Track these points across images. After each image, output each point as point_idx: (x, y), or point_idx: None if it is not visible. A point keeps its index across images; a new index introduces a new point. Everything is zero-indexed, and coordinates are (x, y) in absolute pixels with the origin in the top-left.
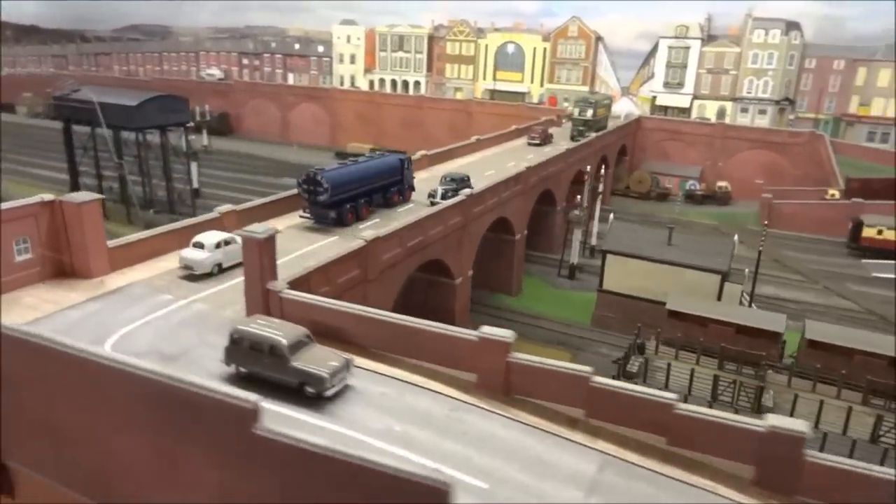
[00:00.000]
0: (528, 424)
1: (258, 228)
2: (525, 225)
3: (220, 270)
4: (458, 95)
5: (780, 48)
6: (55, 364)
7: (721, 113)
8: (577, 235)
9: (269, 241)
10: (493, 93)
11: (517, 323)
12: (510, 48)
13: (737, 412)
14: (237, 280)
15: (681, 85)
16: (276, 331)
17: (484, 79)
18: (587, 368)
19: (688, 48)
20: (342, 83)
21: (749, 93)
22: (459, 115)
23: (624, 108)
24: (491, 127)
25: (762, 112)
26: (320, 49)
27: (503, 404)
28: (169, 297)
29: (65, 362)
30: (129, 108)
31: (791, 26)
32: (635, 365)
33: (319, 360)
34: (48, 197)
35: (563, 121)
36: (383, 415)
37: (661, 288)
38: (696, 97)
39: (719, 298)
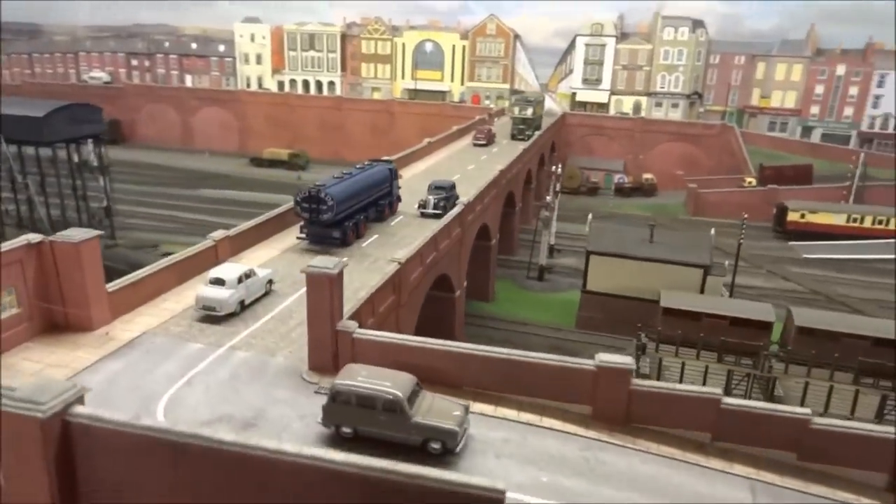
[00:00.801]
0: (664, 456)
1: (325, 262)
2: (497, 229)
3: (241, 308)
4: (376, 95)
5: (689, 45)
6: (218, 467)
7: (637, 107)
8: (546, 236)
9: (340, 277)
10: (413, 92)
11: (504, 331)
12: (428, 46)
13: None
14: (265, 319)
15: (598, 81)
16: (386, 383)
17: (402, 78)
18: (716, 391)
19: (603, 45)
20: (248, 85)
21: (662, 88)
22: (381, 115)
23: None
24: (414, 128)
25: (675, 106)
26: (221, 49)
27: (625, 434)
28: (200, 347)
29: (233, 462)
30: (35, 119)
31: (697, 24)
32: (646, 366)
33: (441, 411)
34: (35, 237)
35: (495, 119)
36: (521, 465)
37: (645, 285)
38: (613, 93)
39: (702, 291)
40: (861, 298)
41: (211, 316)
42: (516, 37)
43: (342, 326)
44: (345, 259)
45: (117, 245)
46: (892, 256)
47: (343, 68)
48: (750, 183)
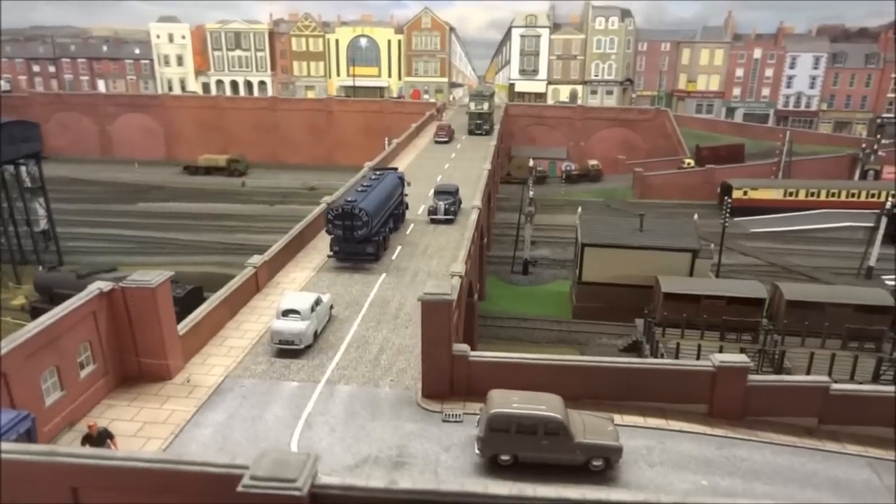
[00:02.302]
0: (788, 445)
1: (438, 287)
2: (487, 227)
3: (315, 338)
4: (311, 94)
5: (619, 34)
6: None
7: (573, 96)
8: (529, 230)
9: (454, 302)
10: (351, 89)
11: (505, 327)
12: (363, 42)
13: None
14: (343, 348)
15: (535, 72)
16: (542, 406)
17: (338, 75)
18: (824, 378)
19: (538, 36)
20: (171, 88)
21: (596, 76)
22: (320, 115)
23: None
24: (356, 126)
25: (609, 93)
26: (136, 51)
27: (744, 428)
28: (295, 385)
29: None
30: None
31: (625, 13)
32: (661, 352)
33: (597, 428)
34: (105, 286)
35: (443, 115)
36: (675, 471)
37: (638, 272)
38: (550, 82)
39: (691, 274)
40: (813, 267)
41: (288, 350)
42: (451, 30)
43: (457, 350)
44: (453, 281)
45: (67, 271)
46: (828, 225)
47: (273, 67)
48: (689, 164)
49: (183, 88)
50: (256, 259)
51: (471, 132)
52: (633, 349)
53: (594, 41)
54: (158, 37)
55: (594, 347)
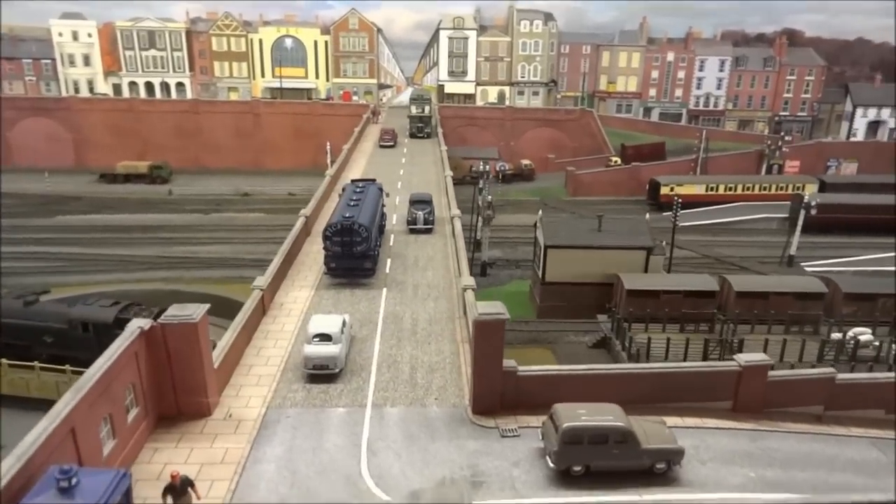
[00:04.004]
0: (805, 433)
1: (492, 307)
2: None
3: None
4: (234, 96)
5: (543, 36)
6: None
7: (501, 97)
8: (487, 232)
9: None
10: (277, 91)
11: None
12: (288, 42)
13: None
14: (374, 369)
15: (464, 73)
16: (608, 416)
17: (262, 76)
18: (830, 370)
19: (466, 38)
20: (77, 90)
21: (523, 77)
22: (245, 117)
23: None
24: (284, 128)
25: (535, 93)
26: (35, 49)
27: (765, 420)
28: (343, 411)
29: None
30: None
31: (548, 17)
32: (634, 346)
33: (657, 433)
34: (145, 323)
35: (378, 117)
36: (725, 466)
37: (597, 270)
38: (478, 83)
39: (646, 270)
40: (742, 257)
41: (320, 375)
42: (379, 31)
43: (507, 366)
44: (467, 294)
45: (8, 297)
46: (746, 217)
47: (192, 68)
48: (616, 162)
49: (91, 90)
50: (261, 281)
51: (412, 135)
52: (602, 345)
53: (519, 43)
54: (61, 35)
55: (564, 346)
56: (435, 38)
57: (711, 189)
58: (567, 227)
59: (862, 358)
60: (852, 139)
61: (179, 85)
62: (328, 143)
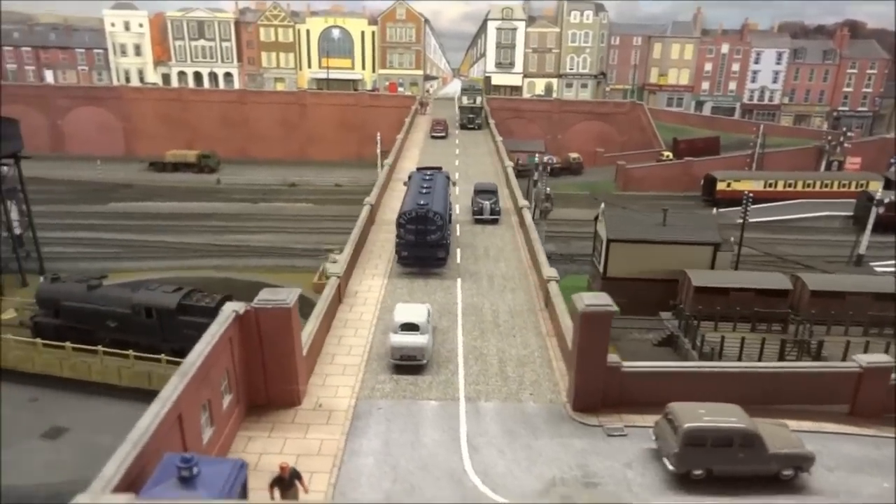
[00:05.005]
0: None
1: (598, 298)
2: None
3: None
4: (280, 87)
5: (594, 27)
6: None
7: (549, 89)
8: (544, 226)
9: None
10: (323, 82)
11: None
12: (335, 33)
13: None
14: (461, 361)
15: (511, 64)
16: (732, 418)
17: (309, 67)
18: None
19: (514, 29)
20: (127, 79)
21: (571, 69)
22: (292, 108)
23: (457, 89)
24: (330, 120)
25: (584, 86)
26: (88, 39)
27: (885, 427)
28: (435, 404)
29: None
30: None
31: (599, 7)
32: (706, 345)
33: (783, 436)
34: (239, 307)
35: (427, 108)
36: (854, 474)
37: (660, 266)
38: (526, 75)
39: (712, 267)
40: (807, 256)
41: (407, 366)
42: (426, 21)
43: (611, 362)
44: (550, 285)
45: (71, 281)
46: (806, 215)
47: (240, 58)
48: (667, 156)
49: (141, 80)
50: (337, 268)
51: (463, 126)
52: (668, 343)
53: (569, 35)
54: (113, 25)
55: (627, 343)
56: (483, 28)
57: (770, 185)
58: (631, 220)
59: None
60: None
61: (227, 75)
62: (378, 134)
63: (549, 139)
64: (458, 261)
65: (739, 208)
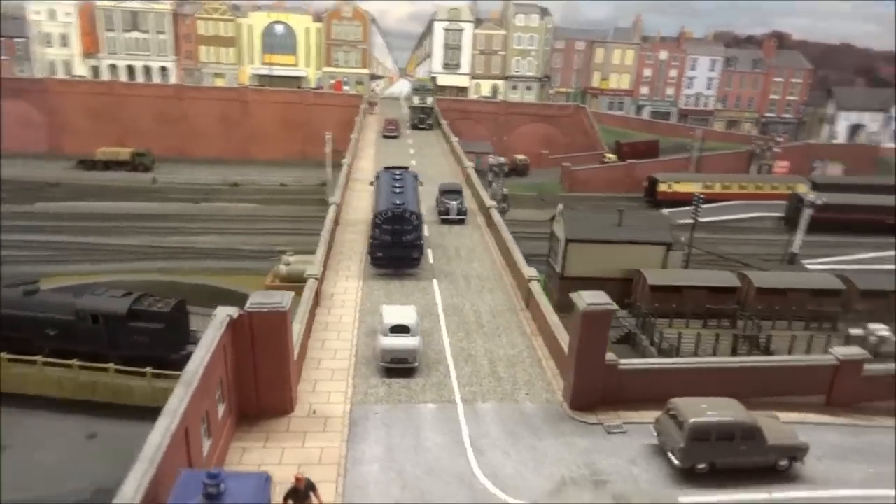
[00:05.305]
0: None
1: (598, 297)
2: None
3: None
4: (220, 82)
5: (539, 31)
6: None
7: (494, 91)
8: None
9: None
10: (265, 78)
11: None
12: (279, 29)
13: None
14: (450, 363)
15: (458, 66)
16: (731, 412)
17: (251, 63)
18: None
19: (461, 31)
20: (53, 71)
21: (517, 72)
22: (233, 105)
23: (403, 89)
24: (273, 117)
25: (529, 88)
26: (7, 27)
27: (858, 415)
28: (432, 407)
29: None
30: None
31: (544, 11)
32: (665, 342)
33: (778, 429)
34: (233, 311)
35: (375, 108)
36: (841, 462)
37: (616, 266)
38: (472, 77)
39: (664, 266)
40: (744, 254)
41: (398, 369)
42: (372, 20)
43: (609, 360)
44: (532, 284)
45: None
46: (742, 216)
47: (176, 52)
48: (611, 159)
49: (68, 72)
50: (315, 269)
51: (414, 126)
52: (626, 341)
53: (515, 37)
54: (38, 13)
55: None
56: (429, 29)
57: (708, 187)
58: (588, 221)
59: (883, 354)
60: (833, 142)
61: (163, 69)
62: (329, 134)
63: (495, 140)
64: (431, 261)
65: (681, 209)
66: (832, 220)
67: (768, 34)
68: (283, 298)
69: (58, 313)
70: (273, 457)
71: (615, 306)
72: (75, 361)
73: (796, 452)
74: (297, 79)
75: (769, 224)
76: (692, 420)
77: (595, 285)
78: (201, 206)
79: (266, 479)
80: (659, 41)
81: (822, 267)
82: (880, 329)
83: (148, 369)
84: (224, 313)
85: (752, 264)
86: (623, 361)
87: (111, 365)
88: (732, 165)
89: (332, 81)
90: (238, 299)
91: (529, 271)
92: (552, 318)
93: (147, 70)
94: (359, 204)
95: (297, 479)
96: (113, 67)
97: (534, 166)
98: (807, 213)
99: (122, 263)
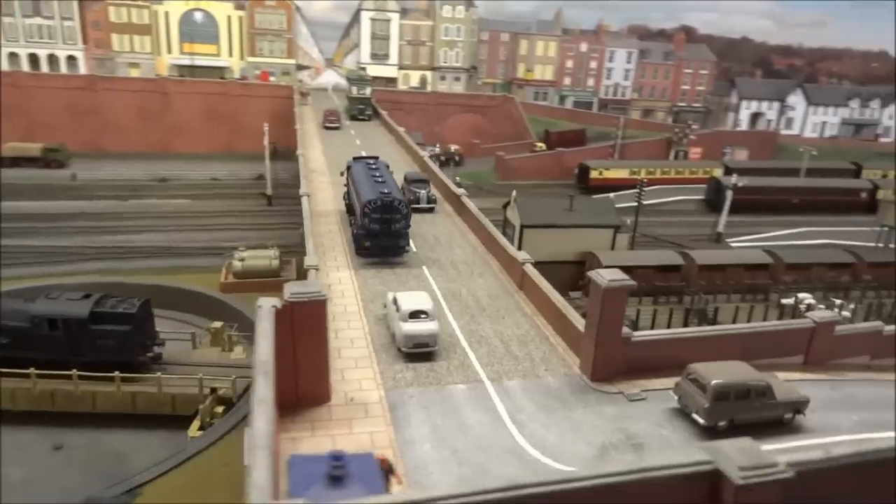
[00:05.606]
0: (871, 380)
1: (616, 274)
2: None
3: None
4: (135, 73)
5: (465, 22)
6: None
7: (423, 81)
8: None
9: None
10: (186, 68)
11: None
12: (198, 16)
13: None
14: (465, 344)
15: (386, 56)
16: (746, 373)
17: (169, 52)
18: (878, 323)
19: (389, 21)
20: None
21: (445, 62)
22: (152, 96)
23: (330, 80)
24: (196, 109)
25: (457, 79)
26: None
27: (832, 371)
28: (463, 388)
29: None
30: None
31: (469, 3)
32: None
33: (781, 385)
34: (276, 301)
35: (308, 98)
36: (831, 412)
37: (568, 249)
38: (401, 67)
39: (612, 247)
40: (675, 235)
41: (419, 353)
42: (297, 8)
43: (624, 333)
44: (526, 267)
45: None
46: (666, 199)
47: (85, 40)
48: (541, 147)
49: None
50: (313, 260)
51: (353, 117)
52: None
53: (442, 28)
54: None
55: None
56: (356, 18)
57: (634, 173)
58: (541, 207)
59: None
60: (737, 129)
61: (70, 58)
62: (266, 125)
63: (426, 131)
64: (414, 249)
65: (611, 194)
66: (747, 202)
67: (678, 28)
68: (320, 287)
69: (10, 320)
70: (325, 445)
71: (633, 283)
72: (33, 370)
73: (799, 406)
74: (221, 69)
75: (691, 206)
76: (714, 382)
77: (550, 269)
78: (130, 204)
79: (379, 460)
80: (579, 34)
81: (744, 244)
82: (807, 298)
83: (117, 374)
84: (269, 304)
85: (683, 244)
86: (637, 333)
87: (74, 371)
88: (652, 152)
89: (258, 72)
90: (192, 298)
91: (523, 255)
92: (556, 298)
93: (52, 59)
94: (324, 195)
95: (382, 462)
96: (13, 56)
97: (466, 156)
98: (730, 196)
99: (55, 266)
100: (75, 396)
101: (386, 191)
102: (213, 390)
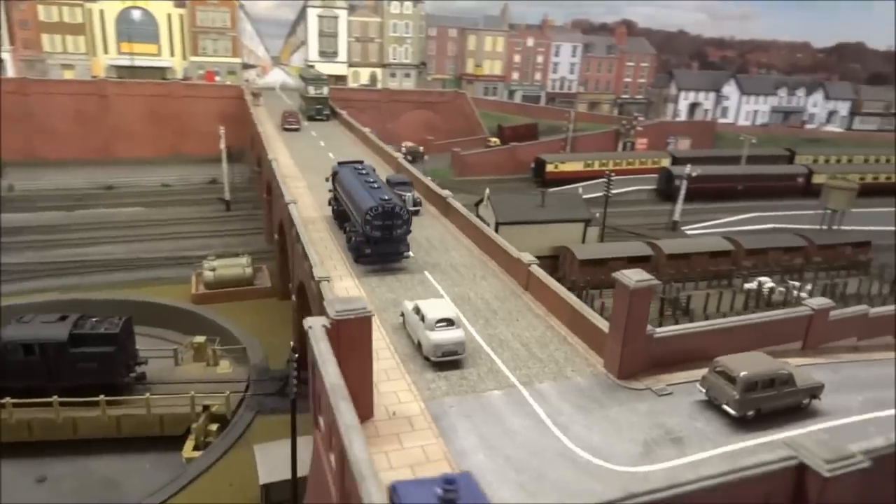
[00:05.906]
0: (868, 360)
1: (641, 274)
2: None
3: None
4: (69, 74)
5: (413, 18)
6: None
7: (373, 79)
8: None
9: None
10: (125, 69)
11: None
12: (136, 14)
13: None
14: (489, 351)
15: (335, 54)
16: (768, 363)
17: (106, 52)
18: (864, 307)
19: (336, 18)
20: None
21: (394, 59)
22: (90, 99)
23: (278, 79)
24: (138, 112)
25: (407, 76)
26: None
27: (828, 354)
28: (500, 394)
29: None
30: None
31: None
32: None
33: (799, 373)
34: (324, 320)
35: (260, 99)
36: (838, 394)
37: (542, 243)
38: (350, 65)
39: (583, 241)
40: (634, 224)
41: (447, 362)
42: (240, 5)
43: (648, 330)
44: (532, 268)
45: None
46: (622, 190)
47: (12, 41)
48: (495, 143)
49: None
50: (323, 271)
51: (311, 118)
52: None
53: (391, 24)
54: None
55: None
56: (302, 15)
57: (588, 165)
58: (514, 204)
59: (775, 303)
60: (677, 119)
61: None
62: (222, 128)
63: (379, 129)
64: (412, 254)
65: (567, 187)
66: (697, 190)
67: (619, 22)
68: (363, 303)
69: None
70: (381, 462)
71: (657, 282)
72: (8, 400)
73: (816, 391)
74: (162, 69)
75: (644, 196)
76: (742, 373)
77: None
78: (78, 214)
79: (472, 478)
80: (525, 28)
81: (699, 232)
82: (768, 282)
83: (102, 397)
84: (319, 323)
85: (642, 234)
86: (659, 330)
87: (55, 398)
88: (602, 144)
89: (202, 71)
90: (167, 312)
91: (527, 257)
92: (571, 298)
93: None
94: (304, 201)
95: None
96: None
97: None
98: (684, 185)
99: (7, 285)
100: (55, 424)
101: (386, 197)
102: (206, 408)
